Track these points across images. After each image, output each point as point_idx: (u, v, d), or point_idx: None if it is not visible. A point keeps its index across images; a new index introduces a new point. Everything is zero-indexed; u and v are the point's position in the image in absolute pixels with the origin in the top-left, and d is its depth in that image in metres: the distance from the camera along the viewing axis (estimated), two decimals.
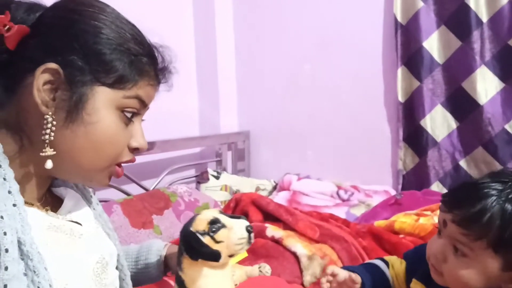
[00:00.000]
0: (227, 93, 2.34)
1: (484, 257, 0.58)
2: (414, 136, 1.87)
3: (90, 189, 0.75)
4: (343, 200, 1.88)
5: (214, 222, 0.68)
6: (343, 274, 0.76)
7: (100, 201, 1.59)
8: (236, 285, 0.76)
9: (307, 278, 1.14)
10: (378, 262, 0.82)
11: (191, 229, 0.68)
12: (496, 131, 1.70)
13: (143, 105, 0.63)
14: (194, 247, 0.67)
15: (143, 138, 0.64)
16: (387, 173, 1.97)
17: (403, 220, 1.37)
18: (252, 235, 0.68)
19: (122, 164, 0.65)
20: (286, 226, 1.39)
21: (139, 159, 1.82)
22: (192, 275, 0.68)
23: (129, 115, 0.61)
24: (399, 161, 1.91)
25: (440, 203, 0.65)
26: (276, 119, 2.29)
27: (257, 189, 2.16)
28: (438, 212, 1.41)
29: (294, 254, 1.20)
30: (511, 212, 0.56)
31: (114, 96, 0.58)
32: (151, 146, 1.83)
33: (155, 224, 1.55)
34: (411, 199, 1.63)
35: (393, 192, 1.85)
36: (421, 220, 1.35)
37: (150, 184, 1.90)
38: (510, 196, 0.57)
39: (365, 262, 0.85)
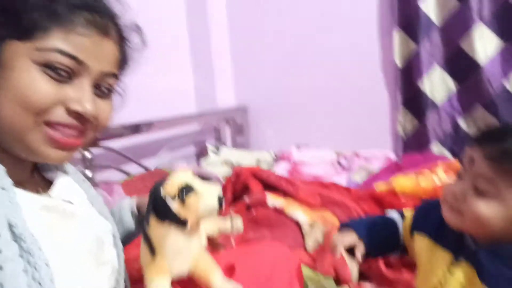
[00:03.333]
0: (222, 67, 2.31)
1: (509, 195, 0.57)
2: (413, 100, 1.85)
3: (82, 176, 0.74)
4: (344, 168, 1.88)
5: (184, 187, 0.67)
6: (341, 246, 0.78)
7: (100, 183, 1.60)
8: (209, 238, 0.77)
9: (310, 244, 1.15)
10: (395, 216, 0.81)
11: (161, 192, 0.67)
12: (496, 90, 1.68)
13: (77, 61, 0.56)
14: (161, 210, 0.67)
15: (89, 102, 0.57)
16: (387, 138, 1.96)
17: (403, 182, 1.37)
18: (223, 203, 0.68)
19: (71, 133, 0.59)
20: (287, 196, 1.39)
21: (138, 139, 1.84)
22: (159, 233, 0.68)
23: (63, 73, 0.55)
24: (399, 125, 1.90)
25: (469, 144, 0.64)
26: (274, 91, 2.27)
27: (258, 161, 2.16)
28: (438, 171, 1.42)
29: (296, 222, 1.21)
30: None
31: (25, 49, 0.54)
32: (149, 126, 1.82)
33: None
34: (411, 162, 1.62)
35: (393, 157, 1.85)
36: (421, 180, 1.35)
37: (150, 163, 1.90)
38: None
39: (383, 215, 0.84)
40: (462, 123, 1.79)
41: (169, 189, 0.67)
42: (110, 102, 0.63)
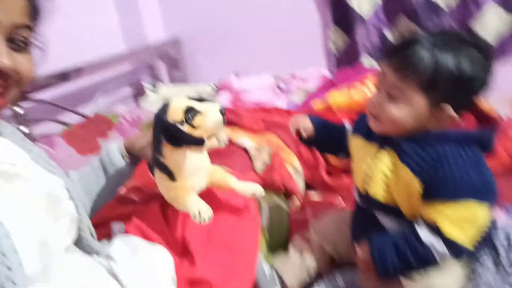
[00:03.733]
0: None
1: (415, 97, 0.67)
2: (342, 16, 1.89)
3: (21, 135, 0.72)
4: (283, 91, 1.94)
5: (189, 110, 0.70)
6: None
7: (39, 137, 1.55)
8: None
9: (258, 166, 1.22)
10: (347, 124, 0.90)
11: (169, 120, 0.70)
12: (418, 0, 1.75)
13: None
14: (176, 137, 0.70)
15: (5, 56, 0.56)
16: (320, 56, 2.02)
17: (337, 97, 1.46)
18: (225, 116, 0.73)
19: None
20: (232, 125, 1.43)
21: (69, 87, 1.75)
22: (176, 159, 0.73)
23: None
24: (330, 42, 1.95)
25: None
26: (205, 20, 2.20)
27: (199, 95, 2.16)
28: (367, 83, 1.52)
29: (243, 148, 1.27)
30: (441, 57, 0.65)
31: None
32: (79, 71, 1.73)
33: (102, 147, 1.54)
34: (343, 77, 1.70)
35: (328, 74, 1.92)
36: (354, 94, 1.44)
37: (87, 110, 1.83)
38: (441, 44, 0.66)
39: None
40: (388, 35, 1.87)
41: (175, 115, 0.70)
42: (29, 56, 0.61)
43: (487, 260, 0.74)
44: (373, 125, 0.74)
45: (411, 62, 0.65)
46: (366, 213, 0.79)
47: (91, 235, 0.77)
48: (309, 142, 0.90)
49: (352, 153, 0.83)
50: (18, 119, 1.48)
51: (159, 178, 0.76)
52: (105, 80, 1.99)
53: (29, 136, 1.48)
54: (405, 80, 0.66)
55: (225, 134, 0.86)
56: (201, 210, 0.70)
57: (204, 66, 2.30)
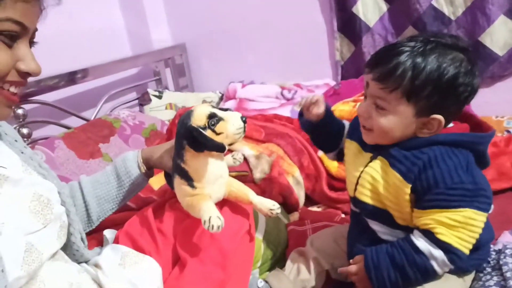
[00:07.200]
0: (153, 3, 2.17)
1: (399, 106, 0.67)
2: (348, 25, 1.87)
3: (15, 135, 0.72)
4: (288, 100, 1.92)
5: (212, 116, 0.74)
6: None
7: (40, 139, 1.54)
8: None
9: (257, 176, 1.20)
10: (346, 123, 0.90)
11: (192, 124, 0.73)
12: (424, 8, 1.73)
13: (22, 26, 0.58)
14: (199, 141, 0.72)
15: (34, 62, 0.61)
16: (326, 65, 1.99)
17: (342, 108, 1.43)
18: (246, 124, 0.76)
19: (13, 91, 0.61)
20: None
21: (74, 89, 1.75)
22: (196, 165, 0.76)
23: (10, 39, 0.57)
24: (336, 52, 1.93)
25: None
26: (211, 26, 2.19)
27: (204, 102, 2.15)
28: None
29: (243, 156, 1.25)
30: (421, 64, 0.64)
31: None
32: (84, 74, 1.73)
33: (103, 152, 1.53)
34: (348, 87, 1.68)
35: (333, 84, 1.90)
36: (358, 105, 1.42)
37: (90, 114, 1.83)
38: (420, 50, 0.64)
39: None
40: None
41: (198, 120, 0.73)
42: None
43: (494, 286, 0.71)
44: (365, 137, 0.74)
45: (390, 72, 0.65)
46: (360, 221, 0.78)
47: (82, 240, 0.76)
48: (310, 125, 0.86)
49: (346, 157, 0.82)
50: (19, 120, 1.48)
51: (178, 184, 0.78)
52: (110, 84, 1.99)
53: (28, 138, 1.49)
54: (388, 91, 0.66)
55: (241, 155, 0.88)
56: (212, 217, 0.70)
57: (209, 73, 2.30)
